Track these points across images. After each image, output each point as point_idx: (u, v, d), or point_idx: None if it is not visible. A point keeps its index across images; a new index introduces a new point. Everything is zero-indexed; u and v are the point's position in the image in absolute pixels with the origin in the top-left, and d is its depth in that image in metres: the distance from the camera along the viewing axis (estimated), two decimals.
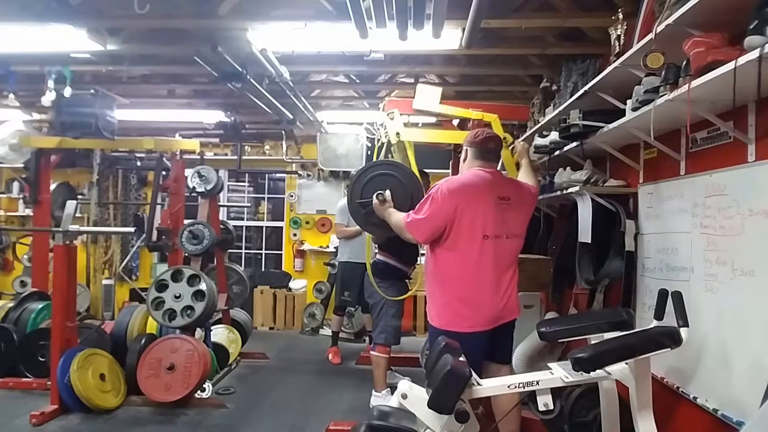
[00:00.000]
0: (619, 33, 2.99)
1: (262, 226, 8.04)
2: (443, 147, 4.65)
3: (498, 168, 3.09)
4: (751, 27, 1.82)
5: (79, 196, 6.53)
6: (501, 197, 2.79)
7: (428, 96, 3.62)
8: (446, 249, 2.75)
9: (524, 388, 2.23)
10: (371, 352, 4.12)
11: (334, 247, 7.13)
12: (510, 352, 3.03)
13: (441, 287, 2.78)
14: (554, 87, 4.40)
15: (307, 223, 7.67)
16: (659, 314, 2.32)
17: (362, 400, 4.15)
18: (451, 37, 3.54)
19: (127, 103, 5.62)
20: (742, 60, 1.82)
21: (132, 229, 5.61)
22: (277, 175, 7.92)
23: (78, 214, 6.25)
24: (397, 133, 3.54)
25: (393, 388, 2.75)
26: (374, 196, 3.04)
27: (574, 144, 3.50)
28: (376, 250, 4.26)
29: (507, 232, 2.78)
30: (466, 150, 2.95)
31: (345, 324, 6.31)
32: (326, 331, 6.63)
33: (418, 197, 3.02)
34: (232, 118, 6.27)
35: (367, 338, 5.78)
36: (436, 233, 2.74)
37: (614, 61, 2.85)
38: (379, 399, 3.93)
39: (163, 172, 5.09)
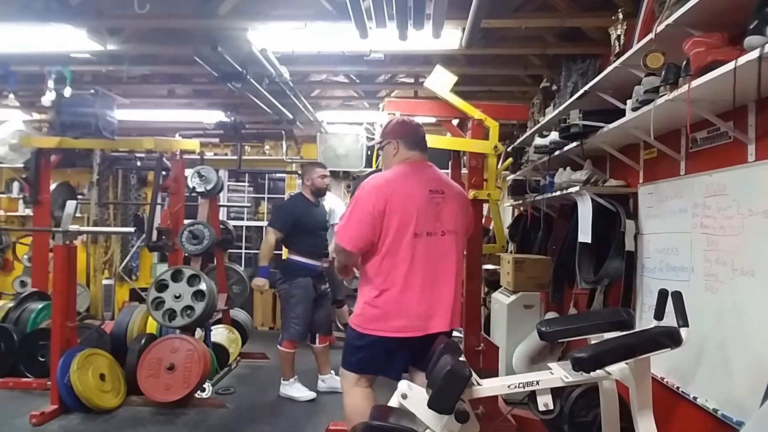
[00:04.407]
0: (619, 33, 2.99)
1: (262, 226, 8.03)
2: None
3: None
4: (751, 27, 1.82)
5: (79, 196, 6.53)
6: (434, 191, 2.55)
7: (442, 80, 3.59)
8: (374, 250, 2.49)
9: (524, 388, 2.23)
10: (278, 346, 4.36)
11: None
12: None
13: (369, 290, 2.53)
14: (554, 87, 4.40)
15: None
16: (659, 314, 2.32)
17: None
18: (451, 37, 3.53)
19: (127, 103, 5.62)
20: (742, 60, 1.82)
21: (132, 229, 5.62)
22: (277, 175, 7.92)
23: (78, 214, 6.25)
24: None
25: None
26: None
27: (574, 144, 3.50)
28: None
29: (442, 228, 2.53)
30: (396, 142, 2.65)
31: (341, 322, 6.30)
32: None
33: None
34: (232, 118, 6.27)
35: None
36: (367, 238, 2.47)
37: (614, 61, 2.85)
38: (287, 387, 4.34)
39: (163, 172, 5.09)
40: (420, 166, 2.64)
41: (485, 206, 3.98)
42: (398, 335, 2.46)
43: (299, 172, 7.63)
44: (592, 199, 3.22)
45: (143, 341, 4.10)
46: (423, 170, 2.63)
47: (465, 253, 2.93)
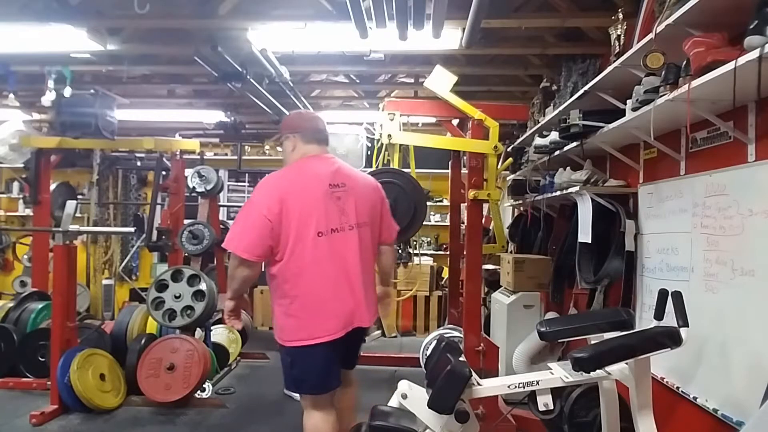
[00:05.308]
0: (619, 33, 2.99)
1: None
2: None
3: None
4: (751, 27, 1.82)
5: (79, 196, 6.53)
6: (334, 184, 2.41)
7: (442, 79, 3.58)
8: (277, 256, 2.34)
9: (524, 388, 2.23)
10: None
11: None
12: (355, 357, 2.66)
13: (282, 299, 2.39)
14: (554, 87, 4.40)
15: None
16: (659, 314, 2.32)
17: (362, 400, 4.14)
18: (451, 37, 3.54)
19: (127, 103, 5.62)
20: (742, 60, 1.82)
21: (132, 229, 5.61)
22: None
23: (78, 214, 6.23)
24: (389, 135, 3.53)
25: None
26: None
27: (574, 144, 3.50)
28: None
29: (348, 222, 2.40)
30: (293, 137, 2.52)
31: None
32: None
33: (421, 209, 2.91)
34: (232, 118, 6.27)
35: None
36: (265, 244, 2.30)
37: (614, 61, 2.85)
38: None
39: (163, 172, 5.09)
40: (318, 161, 2.48)
41: (485, 206, 3.98)
42: (322, 340, 2.34)
43: None
44: (592, 199, 3.22)
45: (143, 341, 4.10)
46: (321, 164, 2.47)
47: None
